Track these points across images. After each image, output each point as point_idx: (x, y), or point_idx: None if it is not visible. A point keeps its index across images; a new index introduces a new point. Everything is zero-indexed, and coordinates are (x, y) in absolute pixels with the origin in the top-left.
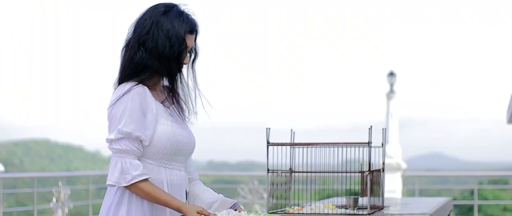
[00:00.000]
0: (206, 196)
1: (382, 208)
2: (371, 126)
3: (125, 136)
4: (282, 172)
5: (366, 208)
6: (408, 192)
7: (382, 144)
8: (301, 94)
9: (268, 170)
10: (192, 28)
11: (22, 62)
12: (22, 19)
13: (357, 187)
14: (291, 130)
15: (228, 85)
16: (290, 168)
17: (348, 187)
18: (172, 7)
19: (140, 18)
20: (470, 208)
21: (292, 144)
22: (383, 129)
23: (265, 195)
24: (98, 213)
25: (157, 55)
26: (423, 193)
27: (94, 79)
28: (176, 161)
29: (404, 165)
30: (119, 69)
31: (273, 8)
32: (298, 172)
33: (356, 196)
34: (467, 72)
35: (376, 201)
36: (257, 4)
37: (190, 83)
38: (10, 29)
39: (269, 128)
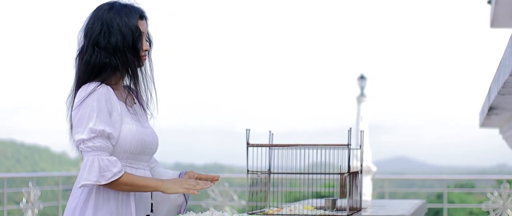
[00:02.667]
0: (166, 177)
1: (360, 210)
2: (350, 128)
3: (98, 134)
4: (262, 174)
5: (345, 210)
6: (378, 195)
7: (360, 146)
8: (271, 97)
9: (247, 171)
10: (141, 13)
11: None
12: None
13: (333, 189)
14: (270, 131)
15: (195, 88)
16: (268, 170)
17: (326, 189)
18: (114, 3)
19: (88, 23)
20: (437, 212)
21: (271, 145)
22: (361, 131)
23: (235, 197)
24: None
25: (113, 50)
26: (392, 196)
27: (61, 80)
28: (141, 161)
29: (374, 168)
30: (76, 76)
31: (246, 11)
32: (277, 173)
33: (334, 198)
34: (436, 76)
35: (354, 203)
36: (232, 7)
37: (149, 72)
38: None
39: (249, 129)
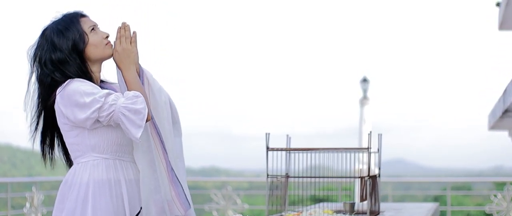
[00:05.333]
0: None
1: (378, 213)
2: (370, 132)
3: (106, 95)
4: (281, 178)
5: (364, 213)
6: (382, 197)
7: (378, 150)
8: (270, 99)
9: (267, 175)
10: (78, 14)
11: None
12: None
13: (334, 193)
14: (287, 135)
15: (192, 89)
16: (286, 174)
17: (346, 193)
18: (53, 21)
19: (35, 46)
20: (440, 215)
21: (290, 149)
22: (379, 134)
23: (239, 201)
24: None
25: (59, 64)
26: (394, 199)
27: None
28: (128, 153)
29: (377, 171)
30: (42, 98)
31: (247, 12)
32: (297, 177)
33: (352, 201)
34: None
35: (372, 206)
36: (232, 8)
37: None
38: None
39: (269, 133)
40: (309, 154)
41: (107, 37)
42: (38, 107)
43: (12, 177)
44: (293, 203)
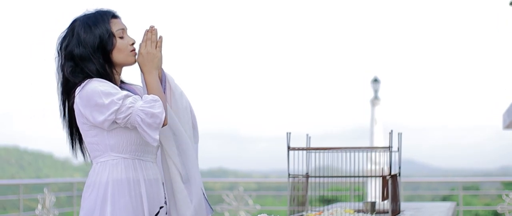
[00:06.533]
0: None
1: (399, 212)
2: (391, 130)
3: (125, 97)
4: (302, 177)
5: (385, 213)
6: None
7: (398, 149)
8: (279, 100)
9: (289, 175)
10: (111, 14)
11: None
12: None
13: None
14: (307, 135)
15: (198, 90)
16: (306, 173)
17: (365, 192)
18: (84, 14)
19: (62, 37)
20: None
21: (310, 149)
22: (398, 133)
23: (250, 202)
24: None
25: (83, 59)
26: (405, 199)
27: None
28: (149, 153)
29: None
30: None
31: (253, 11)
32: (316, 176)
33: (373, 201)
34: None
35: (393, 206)
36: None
37: None
38: None
39: (290, 133)
40: (323, 154)
41: (133, 43)
42: (62, 95)
43: (21, 179)
44: (309, 203)
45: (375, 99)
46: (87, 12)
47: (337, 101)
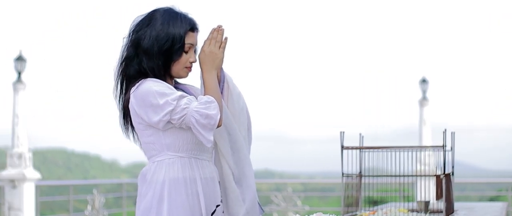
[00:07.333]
0: None
1: (452, 212)
2: (445, 129)
3: (179, 97)
4: (356, 176)
5: (439, 212)
6: None
7: (452, 148)
8: (326, 101)
9: (342, 174)
10: (192, 25)
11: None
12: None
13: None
14: (360, 134)
15: (247, 92)
16: (359, 172)
17: (413, 193)
18: (169, 9)
19: (136, 24)
20: None
21: (364, 148)
22: (451, 133)
23: (299, 203)
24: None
25: (148, 54)
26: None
27: (111, 88)
28: (205, 151)
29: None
30: (121, 81)
31: (304, 10)
32: (369, 176)
33: (427, 200)
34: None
35: (447, 205)
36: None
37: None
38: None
39: (343, 132)
40: (373, 154)
41: (192, 62)
42: (118, 74)
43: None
44: (366, 204)
45: (423, 100)
46: (172, 8)
47: (385, 102)
